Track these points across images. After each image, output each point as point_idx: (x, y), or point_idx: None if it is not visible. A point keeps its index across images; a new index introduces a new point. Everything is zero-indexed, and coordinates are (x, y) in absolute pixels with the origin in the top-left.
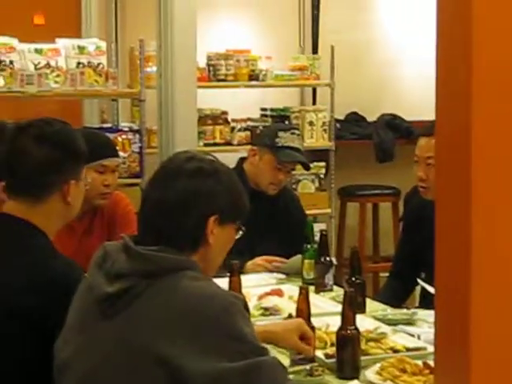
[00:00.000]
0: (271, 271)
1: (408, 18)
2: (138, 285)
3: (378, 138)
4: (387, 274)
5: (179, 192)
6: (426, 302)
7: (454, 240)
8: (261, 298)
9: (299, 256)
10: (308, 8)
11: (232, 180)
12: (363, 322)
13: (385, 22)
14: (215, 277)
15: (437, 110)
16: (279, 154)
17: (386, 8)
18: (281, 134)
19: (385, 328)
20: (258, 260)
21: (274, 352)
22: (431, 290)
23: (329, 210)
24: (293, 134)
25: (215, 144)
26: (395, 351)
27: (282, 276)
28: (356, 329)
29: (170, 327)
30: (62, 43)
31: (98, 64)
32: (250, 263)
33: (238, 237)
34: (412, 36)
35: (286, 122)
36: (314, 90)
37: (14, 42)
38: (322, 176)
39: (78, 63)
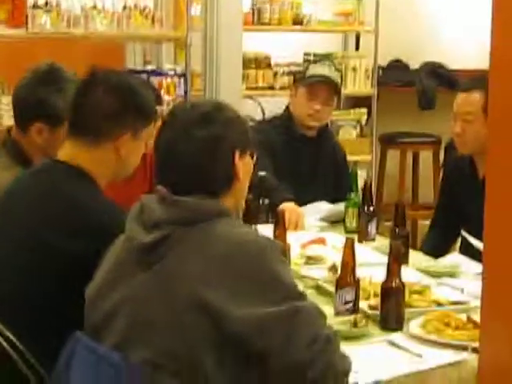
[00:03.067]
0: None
1: None
2: (176, 233)
3: (420, 85)
4: (426, 222)
5: (199, 143)
6: (468, 254)
7: (505, 196)
8: (304, 246)
9: (341, 204)
10: None
11: (236, 114)
12: (406, 274)
13: None
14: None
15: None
16: (307, 81)
17: None
18: (311, 66)
19: (428, 280)
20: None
21: (319, 303)
22: (475, 242)
23: (369, 157)
24: (323, 64)
25: (258, 88)
26: (438, 304)
27: (325, 224)
28: (401, 281)
29: (209, 273)
30: None
31: (145, 7)
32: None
33: (254, 163)
34: None
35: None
36: (358, 36)
37: None
38: (363, 123)
39: (125, 6)
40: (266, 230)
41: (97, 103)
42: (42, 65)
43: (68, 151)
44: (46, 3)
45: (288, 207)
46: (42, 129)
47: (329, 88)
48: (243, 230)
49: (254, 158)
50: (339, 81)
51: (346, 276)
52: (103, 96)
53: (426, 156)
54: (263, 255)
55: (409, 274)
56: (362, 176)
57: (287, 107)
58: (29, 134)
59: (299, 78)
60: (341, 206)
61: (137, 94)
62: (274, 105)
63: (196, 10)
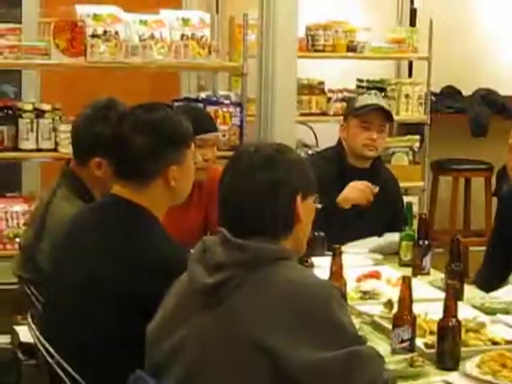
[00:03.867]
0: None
1: None
2: (238, 275)
3: (472, 112)
4: (477, 249)
5: (261, 186)
6: None
7: None
8: (359, 280)
9: (395, 236)
10: None
11: (298, 157)
12: (461, 310)
13: None
14: (318, 255)
15: None
16: (359, 112)
17: None
18: (359, 97)
19: (483, 317)
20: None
21: (374, 339)
22: None
23: (421, 183)
24: (370, 94)
25: (311, 114)
26: (494, 343)
27: (379, 256)
28: (457, 321)
29: (270, 317)
30: (166, 15)
31: (202, 36)
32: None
33: (317, 206)
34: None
35: (382, 94)
36: (411, 63)
37: (120, 12)
38: (415, 149)
39: (182, 35)
40: (321, 262)
41: (132, 148)
42: (100, 99)
43: (123, 190)
44: (105, 33)
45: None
46: (101, 163)
47: (381, 115)
48: (304, 273)
49: (317, 202)
50: (388, 108)
51: (403, 314)
52: (136, 139)
53: (477, 183)
54: (325, 300)
55: (464, 311)
56: (413, 201)
57: (339, 140)
58: (88, 167)
59: (349, 111)
60: (395, 238)
61: (166, 124)
62: (327, 131)
63: (251, 37)
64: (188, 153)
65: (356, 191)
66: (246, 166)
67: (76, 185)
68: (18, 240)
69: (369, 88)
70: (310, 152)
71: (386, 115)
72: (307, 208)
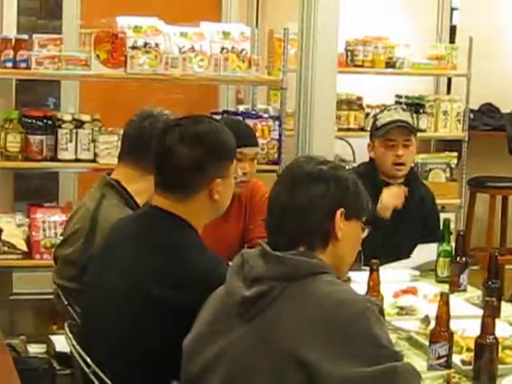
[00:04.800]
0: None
1: None
2: (276, 288)
3: (510, 130)
4: None
5: (305, 196)
6: None
7: None
8: (396, 295)
9: (427, 248)
10: None
11: (351, 177)
12: (498, 328)
13: None
14: (355, 270)
15: None
16: (380, 132)
17: None
18: (380, 115)
19: None
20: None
21: (411, 355)
22: None
23: (458, 201)
24: (389, 110)
25: (349, 129)
26: None
27: (416, 273)
28: (495, 338)
29: (308, 330)
30: (207, 27)
31: (242, 50)
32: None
33: (364, 235)
34: None
35: (421, 111)
36: (449, 79)
37: (161, 24)
38: (453, 166)
39: (222, 48)
40: (359, 277)
41: (177, 160)
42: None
43: (165, 202)
44: (145, 44)
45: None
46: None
47: (402, 130)
48: (342, 287)
49: (366, 231)
50: (410, 120)
51: (440, 330)
52: (182, 150)
53: None
54: (362, 315)
55: (501, 328)
56: (449, 218)
57: (371, 157)
58: (138, 169)
59: (372, 132)
60: (428, 253)
61: (212, 137)
62: (365, 146)
63: (290, 51)
64: (231, 166)
65: (393, 197)
66: (289, 178)
67: (122, 193)
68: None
69: (407, 104)
70: (347, 167)
71: (407, 128)
72: (350, 229)
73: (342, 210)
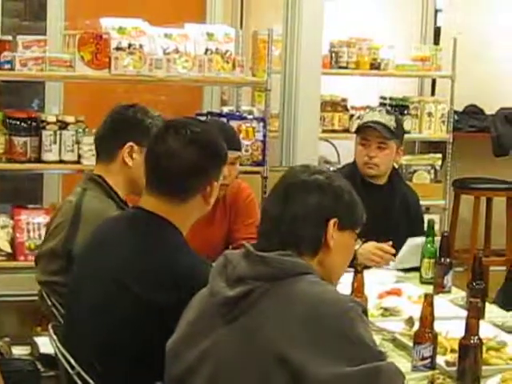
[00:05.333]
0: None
1: None
2: (259, 288)
3: (495, 131)
4: (497, 268)
5: (299, 206)
6: None
7: None
8: (381, 296)
9: (410, 247)
10: (431, 0)
11: (347, 188)
12: (482, 329)
13: (508, 16)
14: None
15: None
16: (359, 129)
17: (509, 2)
18: (365, 114)
19: (504, 336)
20: (371, 248)
21: (395, 356)
22: None
23: (443, 202)
24: (374, 110)
25: (333, 131)
26: None
27: (401, 274)
28: (479, 339)
29: (291, 330)
30: (191, 28)
31: (226, 51)
32: (361, 250)
33: (356, 247)
34: None
35: (405, 112)
36: (434, 81)
37: (145, 25)
38: (437, 167)
39: (206, 49)
40: (343, 278)
41: (177, 163)
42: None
43: (153, 203)
44: (130, 46)
45: (367, 247)
46: (133, 149)
47: (378, 132)
48: (326, 288)
49: (358, 242)
50: (392, 124)
51: (424, 332)
52: (180, 153)
53: (499, 202)
54: (346, 315)
55: (485, 329)
56: (433, 219)
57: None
58: (116, 162)
59: (356, 128)
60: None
61: (210, 140)
62: (350, 148)
63: (275, 52)
64: (223, 171)
65: (367, 260)
66: (282, 186)
67: (104, 186)
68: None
69: (391, 105)
70: (331, 169)
71: (385, 132)
72: (343, 240)
73: (336, 220)
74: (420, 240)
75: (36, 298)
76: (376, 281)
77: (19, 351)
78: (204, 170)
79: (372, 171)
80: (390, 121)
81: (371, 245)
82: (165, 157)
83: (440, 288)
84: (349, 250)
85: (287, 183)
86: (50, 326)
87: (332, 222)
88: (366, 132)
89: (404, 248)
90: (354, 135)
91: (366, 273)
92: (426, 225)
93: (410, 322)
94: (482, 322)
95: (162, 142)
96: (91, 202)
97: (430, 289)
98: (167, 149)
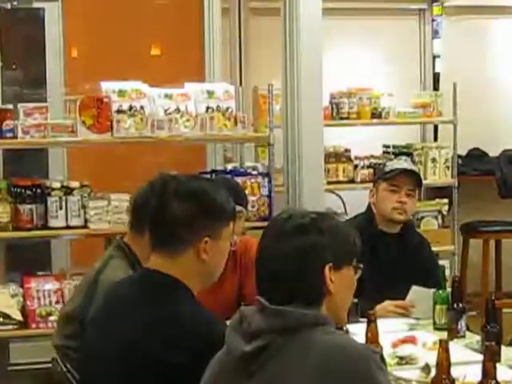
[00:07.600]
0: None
1: None
2: (276, 341)
3: (500, 173)
4: (510, 310)
5: (288, 253)
6: None
7: None
8: (395, 345)
9: (426, 296)
10: (428, 47)
11: (333, 225)
12: (499, 372)
13: (505, 58)
14: (352, 322)
15: None
16: (389, 175)
17: (505, 44)
18: (388, 162)
19: None
20: (388, 306)
21: None
22: None
23: (452, 247)
24: (399, 159)
25: (338, 182)
26: None
27: (414, 321)
28: (497, 382)
29: (312, 381)
30: (191, 88)
31: (227, 108)
32: (379, 308)
33: (358, 276)
34: None
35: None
36: (436, 126)
37: (144, 87)
38: (444, 213)
39: (207, 108)
40: (356, 328)
41: (169, 213)
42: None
43: (158, 262)
44: (130, 108)
45: (385, 306)
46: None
47: (410, 179)
48: (343, 337)
49: (359, 271)
50: (420, 173)
51: (441, 378)
52: (174, 205)
53: (508, 244)
54: (365, 364)
55: (502, 372)
56: (444, 265)
57: (369, 206)
58: (144, 238)
59: (378, 176)
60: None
61: (206, 195)
62: (355, 198)
63: (276, 107)
64: (225, 230)
65: (385, 313)
66: (274, 233)
67: (129, 256)
68: (51, 318)
69: (395, 154)
70: (339, 212)
71: (416, 180)
72: (342, 279)
73: (330, 264)
74: (428, 291)
75: (50, 365)
76: (389, 329)
77: None
78: (190, 221)
79: (401, 217)
80: (416, 169)
81: (388, 304)
82: (158, 210)
83: (454, 333)
84: (351, 285)
85: (273, 235)
86: None
87: (327, 267)
88: (397, 179)
89: (413, 297)
90: (359, 185)
91: (378, 322)
92: None
93: (426, 369)
94: (498, 365)
95: (157, 197)
96: (111, 272)
97: (444, 335)
98: (160, 202)
